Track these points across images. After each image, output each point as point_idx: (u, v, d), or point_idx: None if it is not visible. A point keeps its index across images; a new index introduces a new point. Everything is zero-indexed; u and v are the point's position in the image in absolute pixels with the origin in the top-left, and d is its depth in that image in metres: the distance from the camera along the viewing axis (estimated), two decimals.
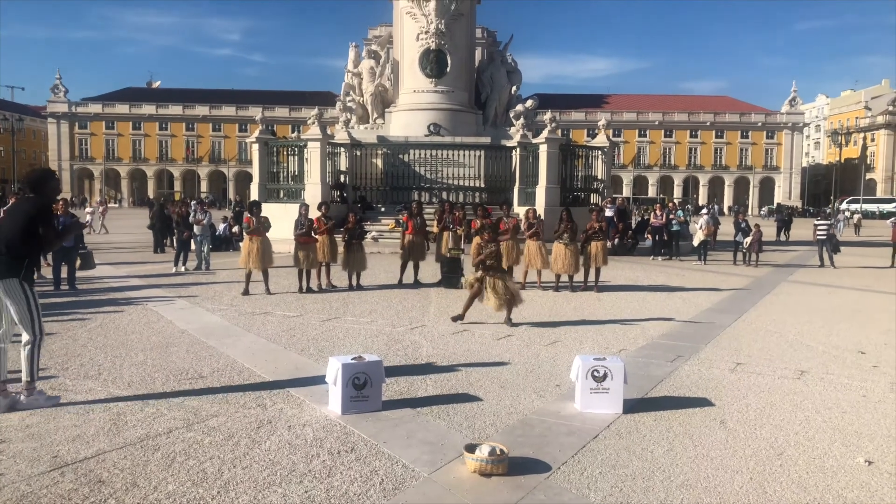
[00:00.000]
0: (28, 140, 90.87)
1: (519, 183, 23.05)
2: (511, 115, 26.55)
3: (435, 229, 14.82)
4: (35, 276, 5.97)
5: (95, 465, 4.50)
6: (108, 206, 45.00)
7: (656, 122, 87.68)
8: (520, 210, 17.93)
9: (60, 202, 12.99)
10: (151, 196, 73.11)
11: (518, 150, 23.22)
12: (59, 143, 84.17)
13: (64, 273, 13.01)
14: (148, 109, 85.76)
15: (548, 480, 4.40)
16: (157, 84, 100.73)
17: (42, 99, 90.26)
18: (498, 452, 4.46)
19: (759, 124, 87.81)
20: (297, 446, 4.90)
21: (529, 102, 27.36)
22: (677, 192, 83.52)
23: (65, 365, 7.06)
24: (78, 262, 13.59)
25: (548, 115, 24.01)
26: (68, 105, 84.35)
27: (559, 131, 25.11)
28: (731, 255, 20.16)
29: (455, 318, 9.69)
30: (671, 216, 22.16)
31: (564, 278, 13.33)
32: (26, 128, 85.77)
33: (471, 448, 4.53)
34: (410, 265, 13.97)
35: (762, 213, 72.37)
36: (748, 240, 19.33)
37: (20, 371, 5.69)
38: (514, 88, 28.32)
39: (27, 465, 4.45)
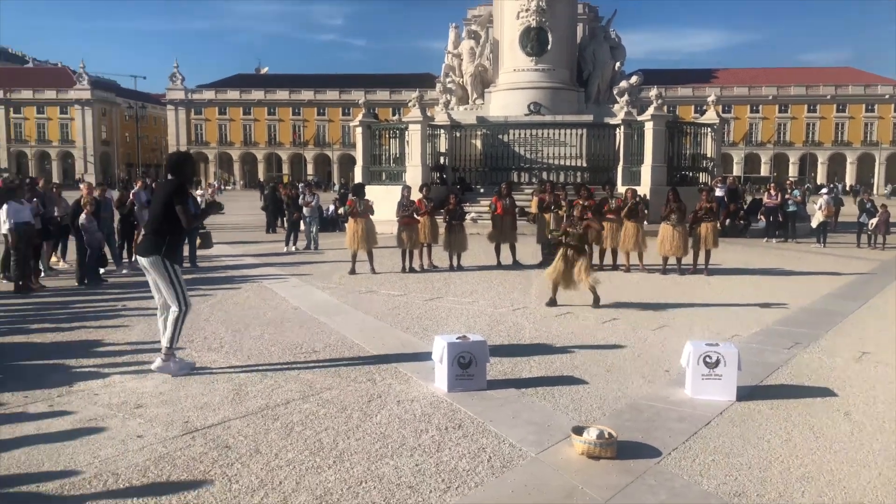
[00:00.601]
0: (150, 126, 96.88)
1: (623, 162, 22.42)
2: (614, 92, 25.80)
3: (534, 209, 14.61)
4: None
5: (222, 431, 4.82)
6: (224, 188, 47.83)
7: (770, 97, 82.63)
8: (623, 190, 17.48)
9: None
10: (262, 179, 76.43)
11: (622, 127, 22.58)
12: (177, 128, 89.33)
13: (185, 252, 13.89)
14: (257, 95, 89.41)
15: (658, 466, 4.32)
16: (265, 70, 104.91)
17: (160, 87, 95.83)
18: (606, 436, 4.41)
19: (887, 97, 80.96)
20: (406, 420, 5.05)
21: (634, 79, 26.45)
22: (792, 171, 78.66)
23: (190, 337, 7.58)
24: (198, 242, 14.49)
25: (653, 92, 23.14)
26: (185, 92, 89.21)
27: (665, 108, 24.17)
28: (853, 237, 18.89)
29: (548, 304, 9.55)
30: (787, 196, 20.96)
31: (672, 261, 12.92)
32: (148, 115, 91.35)
33: (578, 430, 4.51)
34: (507, 246, 13.91)
35: (886, 191, 67.05)
36: (874, 221, 18.07)
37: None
38: (617, 65, 27.46)
39: (163, 429, 4.83)
